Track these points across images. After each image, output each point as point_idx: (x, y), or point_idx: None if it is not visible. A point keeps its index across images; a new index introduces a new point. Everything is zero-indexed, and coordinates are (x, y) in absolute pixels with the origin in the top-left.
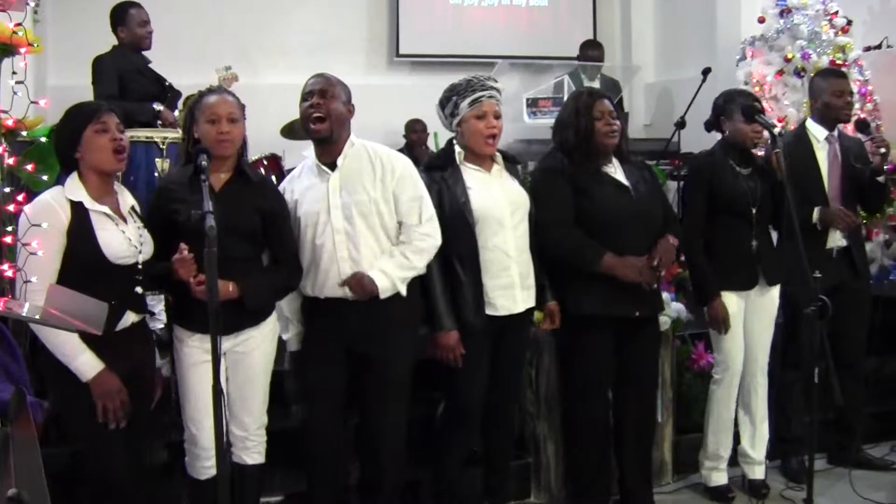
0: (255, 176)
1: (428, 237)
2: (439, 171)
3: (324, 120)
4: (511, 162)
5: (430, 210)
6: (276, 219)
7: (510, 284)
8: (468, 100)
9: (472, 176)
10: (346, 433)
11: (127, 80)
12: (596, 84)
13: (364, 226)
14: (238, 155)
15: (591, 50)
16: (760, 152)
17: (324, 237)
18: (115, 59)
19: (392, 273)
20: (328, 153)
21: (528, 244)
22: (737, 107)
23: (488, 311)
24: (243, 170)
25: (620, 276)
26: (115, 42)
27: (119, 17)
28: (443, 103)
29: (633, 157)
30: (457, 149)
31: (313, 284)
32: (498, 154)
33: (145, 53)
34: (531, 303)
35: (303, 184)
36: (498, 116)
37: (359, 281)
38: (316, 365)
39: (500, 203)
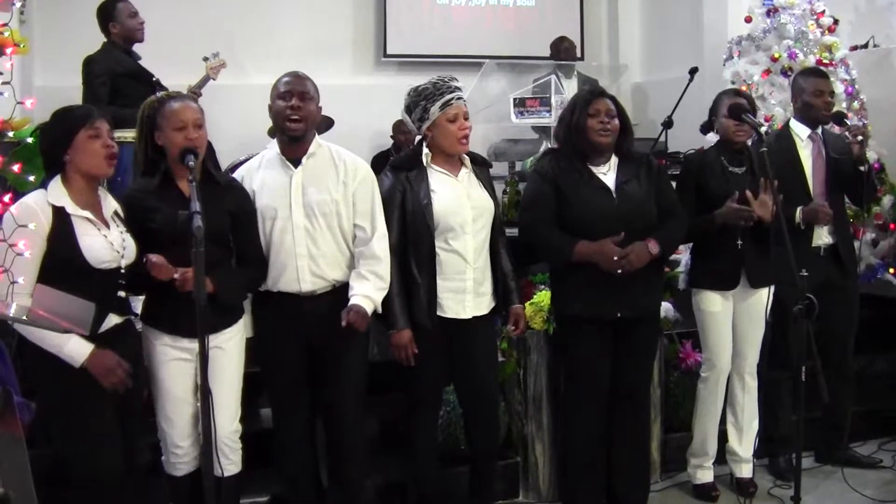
0: (221, 178)
1: (386, 251)
2: (405, 172)
3: (300, 121)
4: (481, 165)
5: (382, 224)
6: (245, 218)
7: (462, 289)
8: (438, 103)
9: (437, 179)
10: (315, 434)
11: (118, 83)
12: (573, 82)
13: (325, 225)
14: (203, 158)
15: (563, 43)
16: None
17: (283, 232)
18: (106, 59)
19: (375, 297)
20: (294, 150)
21: (489, 251)
22: (722, 103)
23: (438, 312)
24: (210, 173)
25: (597, 261)
26: (105, 40)
27: (108, 13)
28: (410, 108)
29: (635, 153)
30: (425, 150)
31: (267, 279)
32: (466, 157)
33: (136, 49)
34: (483, 311)
35: (262, 176)
36: (467, 117)
37: (361, 317)
38: (274, 359)
39: (463, 208)
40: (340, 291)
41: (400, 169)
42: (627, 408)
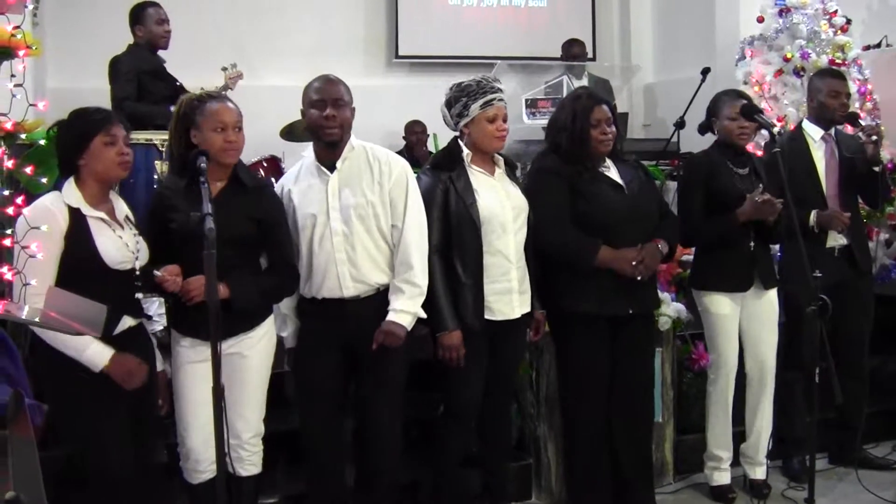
0: (251, 182)
1: (419, 253)
2: (446, 172)
3: (336, 128)
4: (510, 166)
5: (413, 222)
6: (273, 226)
7: (509, 290)
8: (480, 102)
9: (478, 179)
10: (343, 434)
11: (144, 82)
12: (584, 82)
13: (362, 229)
14: (234, 162)
15: (573, 47)
16: (759, 152)
17: (322, 239)
18: (132, 58)
19: (410, 308)
20: (329, 155)
21: (525, 249)
22: (723, 104)
23: (487, 316)
24: (239, 177)
25: (617, 269)
26: (131, 41)
27: (137, 16)
28: (451, 103)
29: (626, 157)
30: (465, 150)
31: (310, 286)
32: (500, 158)
33: (161, 54)
34: (527, 308)
35: (301, 185)
36: (506, 119)
37: (393, 336)
38: (312, 366)
39: (504, 207)
40: (385, 294)
41: (440, 168)
42: (630, 405)
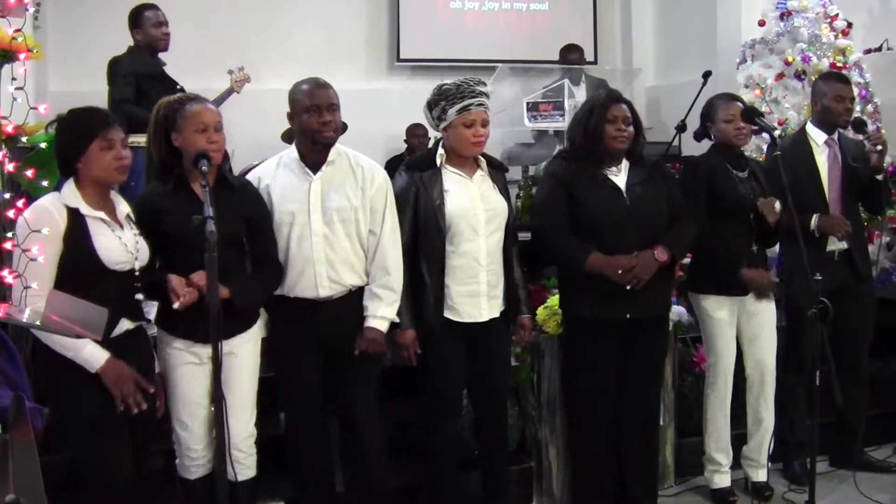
0: (236, 182)
1: (395, 258)
2: (419, 172)
3: (333, 132)
4: (497, 169)
5: (391, 230)
6: (260, 223)
7: (477, 292)
8: (457, 107)
9: (451, 179)
10: (330, 438)
11: (143, 85)
12: (582, 87)
13: (343, 232)
14: (219, 163)
15: (571, 54)
16: (761, 157)
17: (301, 239)
18: (131, 61)
19: (388, 314)
20: (316, 156)
21: (502, 253)
22: (718, 108)
23: (452, 317)
24: (225, 177)
25: (607, 274)
26: (131, 44)
27: (134, 20)
28: (430, 105)
29: (647, 158)
30: (440, 150)
31: (283, 285)
32: (483, 160)
33: (164, 57)
34: (496, 313)
35: (281, 181)
36: (485, 124)
37: (375, 343)
38: (294, 366)
39: (476, 210)
40: (356, 295)
41: (414, 168)
42: (637, 410)
